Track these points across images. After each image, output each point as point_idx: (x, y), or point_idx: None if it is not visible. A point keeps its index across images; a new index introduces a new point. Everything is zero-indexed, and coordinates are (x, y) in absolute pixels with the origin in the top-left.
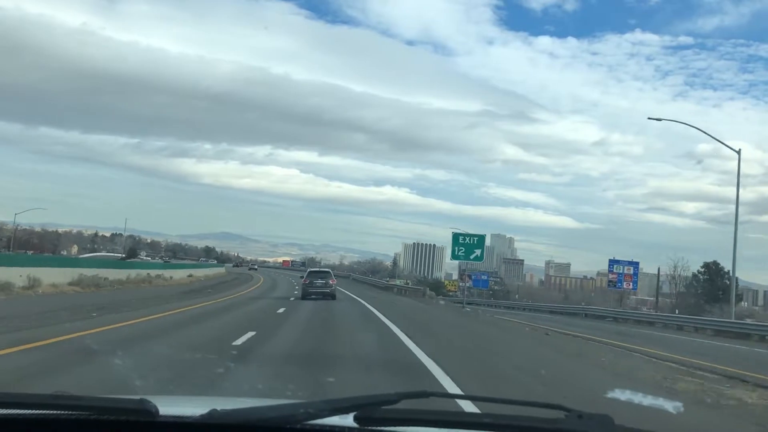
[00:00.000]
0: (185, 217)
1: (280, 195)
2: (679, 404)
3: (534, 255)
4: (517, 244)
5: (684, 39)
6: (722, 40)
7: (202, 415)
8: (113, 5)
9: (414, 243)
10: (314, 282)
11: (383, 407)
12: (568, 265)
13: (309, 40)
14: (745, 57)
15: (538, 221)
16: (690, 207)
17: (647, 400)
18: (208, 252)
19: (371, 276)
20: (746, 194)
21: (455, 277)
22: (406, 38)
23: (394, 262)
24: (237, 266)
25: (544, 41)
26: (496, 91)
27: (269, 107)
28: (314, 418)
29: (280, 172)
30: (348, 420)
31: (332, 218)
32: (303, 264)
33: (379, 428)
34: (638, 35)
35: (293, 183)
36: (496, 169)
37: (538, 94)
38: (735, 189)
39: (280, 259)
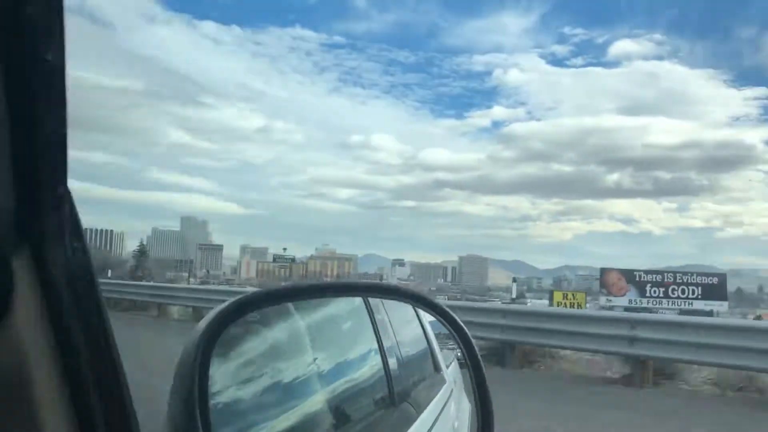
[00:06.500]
0: None
1: None
2: None
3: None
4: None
5: (338, 39)
6: (370, 43)
7: None
8: None
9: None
10: None
11: None
12: (266, 249)
13: None
14: (388, 60)
15: (204, 207)
16: (344, 193)
17: None
18: None
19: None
20: (388, 182)
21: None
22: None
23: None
24: None
25: (209, 26)
26: (162, 71)
27: None
28: None
29: None
30: None
31: None
32: None
33: None
34: (298, 31)
35: None
36: (160, 153)
37: (205, 78)
38: (381, 177)
39: None
